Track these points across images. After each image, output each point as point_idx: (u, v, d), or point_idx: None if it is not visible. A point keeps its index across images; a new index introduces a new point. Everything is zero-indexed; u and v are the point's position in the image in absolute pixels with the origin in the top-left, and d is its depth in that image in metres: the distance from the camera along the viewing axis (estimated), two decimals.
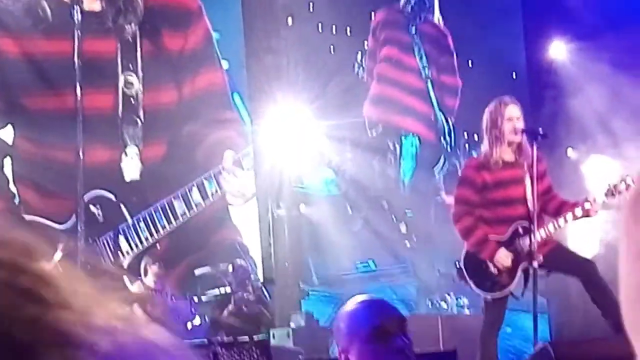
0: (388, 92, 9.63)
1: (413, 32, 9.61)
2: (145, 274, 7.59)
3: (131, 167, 7.59)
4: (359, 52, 9.67)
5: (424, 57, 9.59)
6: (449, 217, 6.23)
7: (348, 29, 9.66)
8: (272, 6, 8.77)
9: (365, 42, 9.71)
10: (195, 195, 6.54)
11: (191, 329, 7.60)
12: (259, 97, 8.33)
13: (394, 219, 9.47)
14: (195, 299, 7.81)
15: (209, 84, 8.06)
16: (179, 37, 7.92)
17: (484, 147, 6.07)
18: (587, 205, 5.82)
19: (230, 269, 7.45)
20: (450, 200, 6.19)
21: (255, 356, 5.80)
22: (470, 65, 9.65)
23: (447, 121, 9.58)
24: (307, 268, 9.07)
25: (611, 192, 5.83)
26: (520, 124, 5.96)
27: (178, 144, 7.98)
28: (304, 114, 8.45)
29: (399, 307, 9.21)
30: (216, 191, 6.37)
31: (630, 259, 0.47)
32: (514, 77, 9.32)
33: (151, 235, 6.98)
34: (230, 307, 7.14)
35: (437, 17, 9.68)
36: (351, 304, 2.52)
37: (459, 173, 6.75)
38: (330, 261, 9.17)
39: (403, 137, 9.60)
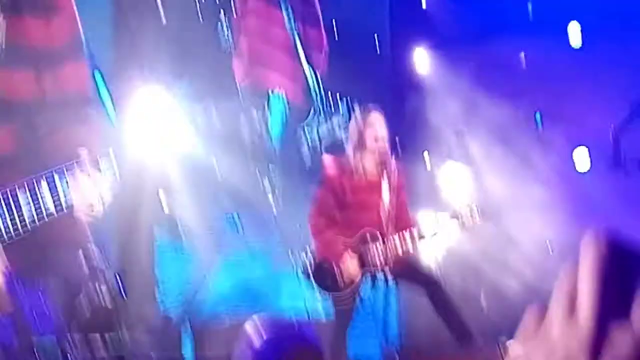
0: (254, 45, 9.56)
1: None
2: None
3: None
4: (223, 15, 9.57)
5: (289, 9, 9.60)
6: (313, 174, 6.32)
7: None
8: None
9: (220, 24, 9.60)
10: (44, 190, 6.23)
11: (41, 319, 7.46)
12: (124, 77, 8.20)
13: (258, 173, 9.57)
14: (45, 286, 7.66)
15: (72, 80, 7.84)
16: (43, 24, 7.65)
17: (349, 151, 6.16)
18: (431, 224, 6.02)
19: (80, 254, 7.35)
20: (328, 160, 6.25)
21: (108, 352, 5.74)
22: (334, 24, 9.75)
23: (315, 74, 9.65)
24: (175, 226, 9.09)
25: (455, 217, 6.06)
26: (382, 131, 6.04)
27: (30, 137, 7.74)
28: (170, 95, 8.44)
29: (261, 262, 9.28)
30: (67, 185, 6.08)
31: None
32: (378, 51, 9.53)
33: None
34: (81, 296, 7.04)
35: None
36: (256, 339, 2.35)
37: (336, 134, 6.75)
38: (199, 218, 9.24)
39: (270, 91, 9.66)
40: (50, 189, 6.07)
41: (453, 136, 8.21)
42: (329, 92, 9.61)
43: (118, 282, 7.40)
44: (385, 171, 6.06)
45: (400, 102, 8.55)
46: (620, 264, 0.47)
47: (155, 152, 8.50)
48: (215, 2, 9.55)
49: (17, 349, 5.33)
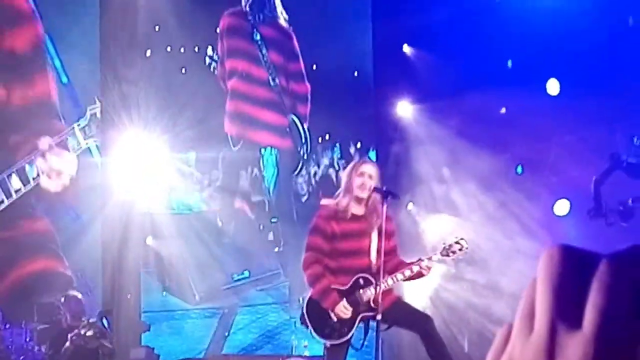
0: (241, 107, 9.79)
1: (257, 38, 9.73)
2: None
3: None
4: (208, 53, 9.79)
5: (271, 67, 9.80)
6: (311, 215, 6.40)
7: (196, 47, 9.78)
8: (132, 37, 8.73)
9: (211, 48, 9.79)
10: (15, 182, 6.23)
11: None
12: (110, 128, 8.27)
13: (261, 228, 9.78)
14: (30, 328, 7.64)
15: (41, 93, 7.89)
16: (10, 36, 7.73)
17: (339, 196, 6.25)
18: (424, 264, 6.10)
19: (62, 299, 7.32)
20: (326, 201, 6.34)
21: None
22: (314, 69, 9.92)
23: (302, 127, 9.85)
24: (188, 287, 9.20)
25: (445, 252, 6.17)
26: (371, 182, 6.13)
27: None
28: (156, 144, 8.56)
29: (275, 309, 9.57)
30: (37, 176, 6.08)
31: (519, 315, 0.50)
32: (356, 75, 9.70)
33: None
34: (67, 344, 7.00)
35: (280, 11, 9.79)
36: None
37: (333, 177, 6.82)
38: (208, 277, 9.40)
39: (262, 149, 9.86)
40: (19, 177, 6.09)
41: (437, 185, 8.38)
42: (317, 137, 9.85)
43: (104, 326, 7.39)
44: (373, 217, 6.16)
45: (385, 150, 8.73)
46: (573, 273, 0.48)
47: (143, 202, 8.59)
48: (204, 62, 9.78)
49: None
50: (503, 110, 8.52)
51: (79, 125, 5.86)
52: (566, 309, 0.48)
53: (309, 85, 9.81)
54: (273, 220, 9.82)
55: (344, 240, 6.23)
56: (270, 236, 9.84)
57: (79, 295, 7.49)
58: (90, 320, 7.28)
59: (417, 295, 7.76)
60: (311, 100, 9.79)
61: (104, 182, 8.06)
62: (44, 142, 6.19)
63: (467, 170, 8.22)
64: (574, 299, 0.48)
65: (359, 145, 9.46)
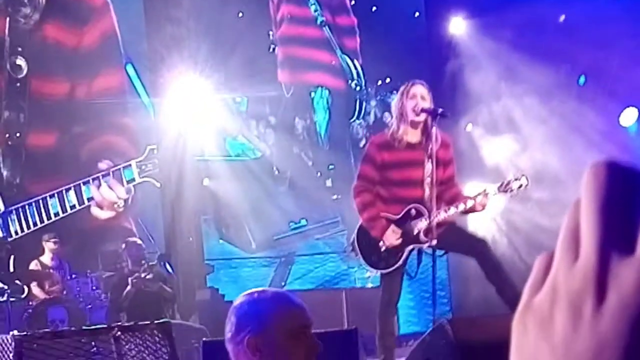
0: (291, 51, 9.70)
1: None
2: (42, 252, 7.49)
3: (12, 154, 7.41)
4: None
5: (315, 4, 9.66)
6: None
7: None
8: None
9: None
10: (72, 198, 6.34)
11: (92, 308, 7.56)
12: (159, 68, 8.20)
13: (319, 175, 9.69)
14: (95, 276, 7.77)
15: (107, 87, 7.90)
16: (75, 33, 7.71)
17: (391, 124, 6.04)
18: (478, 199, 5.86)
19: (123, 246, 7.41)
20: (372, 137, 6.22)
21: (157, 339, 5.74)
22: (373, 10, 9.72)
23: (352, 63, 9.69)
24: (245, 234, 9.19)
25: (504, 189, 5.90)
26: (424, 103, 5.90)
27: (67, 140, 7.82)
28: (207, 86, 8.43)
29: (334, 258, 9.47)
30: (92, 198, 6.18)
31: None
32: (417, 16, 9.44)
33: (22, 230, 6.75)
34: (129, 288, 7.08)
35: None
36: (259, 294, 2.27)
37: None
38: (264, 225, 9.34)
39: (313, 92, 9.73)
40: (76, 194, 6.21)
41: (495, 103, 8.05)
42: (376, 81, 9.64)
43: (167, 269, 7.44)
44: (429, 145, 5.91)
45: (440, 72, 8.40)
46: (623, 194, 0.44)
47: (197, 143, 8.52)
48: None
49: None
50: (562, 18, 8.07)
51: (137, 160, 5.88)
52: (616, 232, 0.44)
53: (355, 19, 9.58)
54: (330, 167, 9.65)
55: (396, 169, 6.03)
56: (329, 183, 9.66)
57: (139, 241, 7.55)
58: (150, 264, 7.33)
59: (481, 219, 7.50)
60: (371, 43, 9.52)
61: (156, 124, 8.01)
62: (104, 164, 6.24)
63: (527, 85, 7.85)
64: (625, 221, 0.44)
65: None
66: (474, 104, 8.20)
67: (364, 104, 9.73)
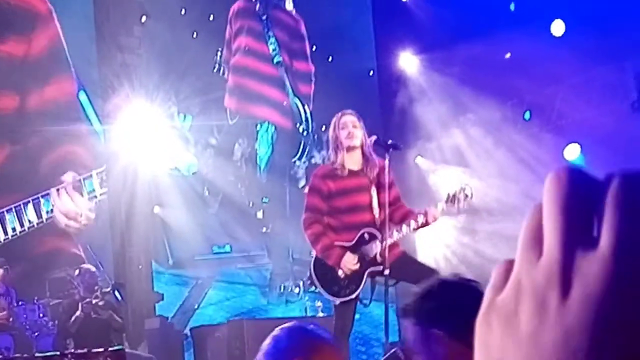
0: (242, 82, 9.78)
1: (265, 18, 9.77)
2: None
3: None
4: (219, 50, 9.84)
5: (275, 44, 9.76)
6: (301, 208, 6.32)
7: (211, 15, 9.76)
8: (124, 4, 8.61)
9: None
10: (30, 213, 6.13)
11: (39, 335, 7.43)
12: (110, 96, 8.18)
13: (251, 205, 9.65)
14: (43, 303, 7.64)
15: (59, 94, 7.80)
16: (23, 41, 7.62)
17: (331, 157, 6.14)
18: (428, 213, 5.97)
19: (77, 272, 7.32)
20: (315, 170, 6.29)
21: None
22: (330, 60, 9.85)
23: (303, 107, 9.77)
24: (163, 249, 9.04)
25: (451, 200, 6.04)
26: (356, 130, 6.01)
27: (20, 153, 7.69)
28: (157, 110, 8.42)
29: (253, 291, 9.30)
30: (51, 211, 5.98)
31: None
32: (371, 74, 9.59)
33: None
34: (78, 313, 7.00)
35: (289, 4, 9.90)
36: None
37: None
38: (186, 243, 9.17)
39: (259, 125, 9.78)
40: (35, 209, 6.00)
41: (444, 137, 8.23)
42: (321, 126, 9.73)
43: (117, 298, 7.36)
44: (373, 170, 6.02)
45: (389, 106, 8.56)
46: (583, 194, 0.46)
47: (148, 168, 8.47)
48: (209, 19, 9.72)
49: None
50: (508, 55, 8.31)
51: (97, 171, 5.69)
52: (578, 229, 0.45)
53: (312, 66, 9.73)
54: (264, 200, 9.66)
55: (342, 196, 6.11)
56: (260, 215, 9.65)
57: (93, 268, 7.47)
58: (104, 290, 7.26)
59: (430, 250, 7.64)
60: (322, 91, 9.63)
61: (107, 151, 7.97)
62: (69, 176, 6.08)
63: (474, 119, 8.05)
64: (586, 220, 0.45)
65: None
66: (422, 136, 8.36)
67: (308, 147, 9.82)
